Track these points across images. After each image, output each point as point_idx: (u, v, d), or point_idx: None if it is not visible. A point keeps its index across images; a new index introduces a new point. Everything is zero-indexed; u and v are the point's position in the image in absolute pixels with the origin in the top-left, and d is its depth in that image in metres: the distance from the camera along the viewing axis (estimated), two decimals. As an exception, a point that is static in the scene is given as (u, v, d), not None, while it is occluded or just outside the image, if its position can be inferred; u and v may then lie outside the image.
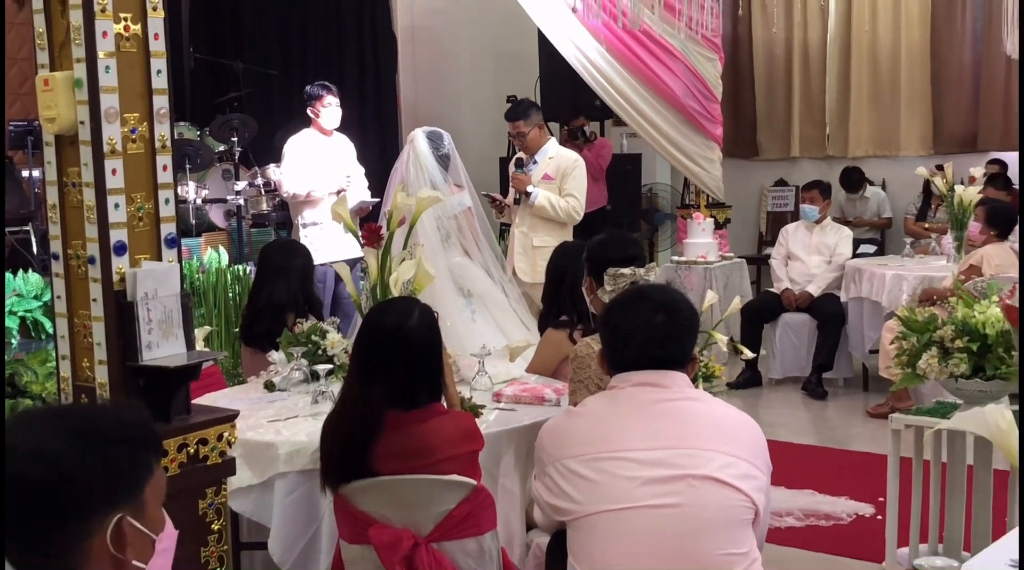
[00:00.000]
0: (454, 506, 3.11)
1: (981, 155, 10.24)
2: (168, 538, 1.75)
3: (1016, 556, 2.69)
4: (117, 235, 2.89)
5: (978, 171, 8.53)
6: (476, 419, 3.54)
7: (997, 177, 9.22)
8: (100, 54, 2.85)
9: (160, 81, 2.98)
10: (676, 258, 8.73)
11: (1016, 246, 7.52)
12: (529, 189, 6.65)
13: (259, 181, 9.06)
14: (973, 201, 7.56)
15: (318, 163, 7.25)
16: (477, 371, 4.43)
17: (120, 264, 2.90)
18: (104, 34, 2.85)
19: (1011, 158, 10.21)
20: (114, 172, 2.88)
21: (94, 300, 2.91)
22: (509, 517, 3.71)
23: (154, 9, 2.97)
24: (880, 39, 10.92)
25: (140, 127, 2.95)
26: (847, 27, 11.09)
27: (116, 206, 2.89)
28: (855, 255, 8.41)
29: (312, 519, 3.64)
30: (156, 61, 2.97)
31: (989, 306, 4.02)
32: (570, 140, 9.25)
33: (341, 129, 7.46)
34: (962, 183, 7.97)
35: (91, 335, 2.92)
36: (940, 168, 8.90)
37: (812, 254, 8.18)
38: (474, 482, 3.15)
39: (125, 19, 2.90)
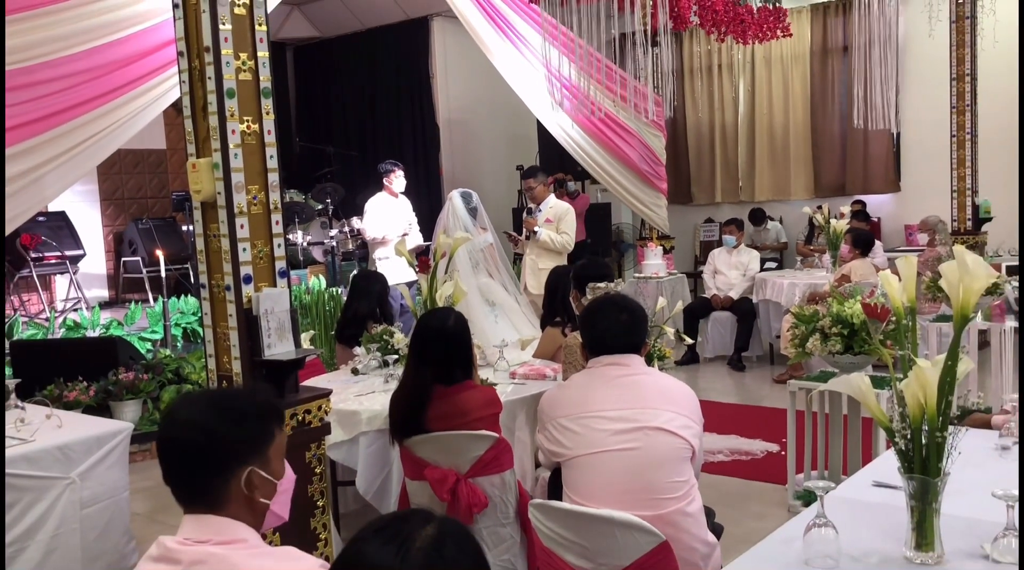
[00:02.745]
0: (483, 452, 3.11)
1: (848, 197, 10.21)
2: (288, 482, 1.75)
3: (878, 477, 2.67)
4: (245, 270, 2.90)
5: (846, 209, 8.49)
6: (496, 390, 3.53)
7: (859, 213, 9.19)
8: (230, 145, 2.87)
9: (272, 162, 3.00)
10: (637, 275, 8.70)
11: (876, 261, 7.48)
12: (536, 229, 6.67)
13: (346, 229, 9.13)
14: (843, 230, 7.54)
15: (388, 216, 7.28)
16: (498, 357, 4.43)
17: (247, 290, 2.91)
18: (233, 131, 2.87)
19: (870, 199, 10.18)
20: (242, 226, 2.89)
21: (230, 315, 2.92)
22: (523, 459, 3.71)
23: (267, 113, 2.98)
24: (775, 118, 10.94)
25: (259, 195, 2.96)
26: (752, 110, 11.11)
27: (243, 250, 2.90)
28: (762, 270, 8.38)
29: (386, 464, 3.64)
30: (269, 149, 2.99)
31: (855, 304, 4.00)
32: (557, 189, 9.24)
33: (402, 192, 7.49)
34: (835, 217, 7.94)
35: (228, 339, 2.93)
36: (819, 207, 8.88)
37: (732, 270, 8.15)
38: (496, 435, 3.15)
39: (247, 120, 2.92)
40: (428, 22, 10.91)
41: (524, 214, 7.08)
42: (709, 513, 2.84)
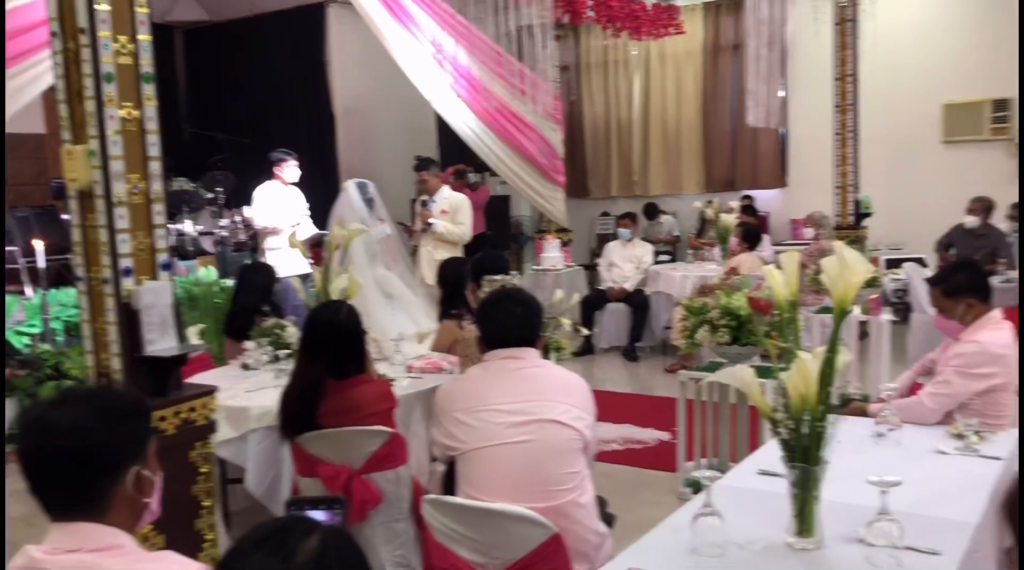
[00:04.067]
0: (377, 448, 3.07)
1: (737, 192, 10.51)
2: (159, 477, 1.71)
3: (763, 466, 2.75)
4: (124, 262, 2.77)
5: (735, 204, 8.74)
6: (391, 385, 3.49)
7: (748, 208, 9.47)
8: (109, 132, 2.73)
9: (154, 151, 2.86)
10: (536, 267, 8.74)
11: (764, 254, 7.72)
12: (432, 221, 6.63)
13: (237, 218, 8.90)
14: (732, 224, 7.74)
15: (279, 206, 7.10)
16: (395, 351, 4.38)
17: (127, 283, 2.78)
18: (111, 118, 2.73)
19: (758, 194, 10.51)
20: (121, 217, 2.76)
21: (109, 310, 2.79)
22: (419, 453, 3.67)
23: (149, 99, 2.85)
24: (669, 113, 11.15)
25: (140, 184, 2.83)
26: (646, 106, 11.31)
27: (123, 241, 2.77)
28: (655, 262, 8.53)
29: (276, 461, 3.55)
30: (151, 136, 2.86)
31: (742, 296, 4.10)
32: (457, 181, 9.21)
33: (296, 182, 7.32)
34: (725, 212, 8.16)
35: (107, 335, 2.80)
36: (710, 202, 9.11)
37: (626, 262, 8.27)
38: (391, 430, 3.11)
39: (127, 106, 2.79)
40: (324, 9, 10.69)
41: (418, 206, 7.03)
42: (601, 503, 2.87)
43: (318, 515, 1.67)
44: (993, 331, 3.25)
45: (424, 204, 6.85)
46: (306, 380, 3.10)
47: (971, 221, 7.46)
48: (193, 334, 3.88)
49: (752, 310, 3.90)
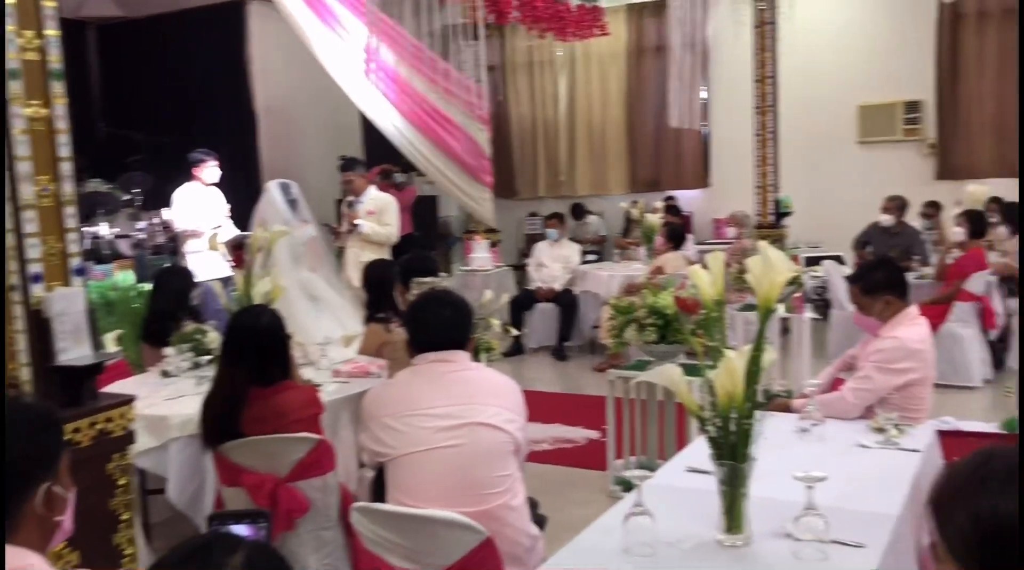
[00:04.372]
0: (303, 455, 3.00)
1: (661, 193, 10.66)
2: (73, 493, 1.64)
3: (692, 463, 2.77)
4: (34, 268, 2.64)
5: (660, 204, 8.84)
6: (317, 391, 3.42)
7: (672, 208, 9.61)
8: (15, 131, 2.60)
9: (65, 151, 2.74)
10: (464, 268, 8.73)
11: (688, 253, 7.84)
12: (358, 222, 6.54)
13: (155, 221, 8.66)
14: (657, 224, 7.84)
15: (199, 208, 6.91)
16: (321, 355, 4.30)
17: (37, 290, 2.65)
18: (17, 117, 2.61)
19: (682, 194, 10.67)
20: (29, 221, 2.64)
21: (17, 317, 2.66)
22: (347, 460, 3.60)
23: (58, 97, 2.73)
24: (594, 114, 11.25)
25: (50, 186, 2.70)
26: (572, 107, 11.39)
27: (32, 246, 2.64)
28: (583, 262, 8.59)
29: (198, 471, 3.45)
30: (61, 136, 2.73)
31: (668, 295, 4.15)
32: (383, 180, 9.12)
33: (216, 183, 7.14)
34: (650, 212, 8.26)
35: (16, 344, 2.67)
36: (636, 202, 9.22)
37: (555, 262, 8.31)
38: (317, 437, 3.05)
39: (35, 105, 2.66)
40: (244, 6, 10.47)
41: (343, 207, 6.94)
42: (533, 504, 2.86)
43: (242, 530, 1.62)
44: (910, 327, 3.35)
45: (350, 205, 6.76)
46: (228, 387, 3.02)
47: (886, 219, 7.69)
48: (110, 341, 3.75)
49: (679, 309, 3.94)
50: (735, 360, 2.07)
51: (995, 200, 8.04)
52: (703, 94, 8.97)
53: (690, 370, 2.49)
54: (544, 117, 11.57)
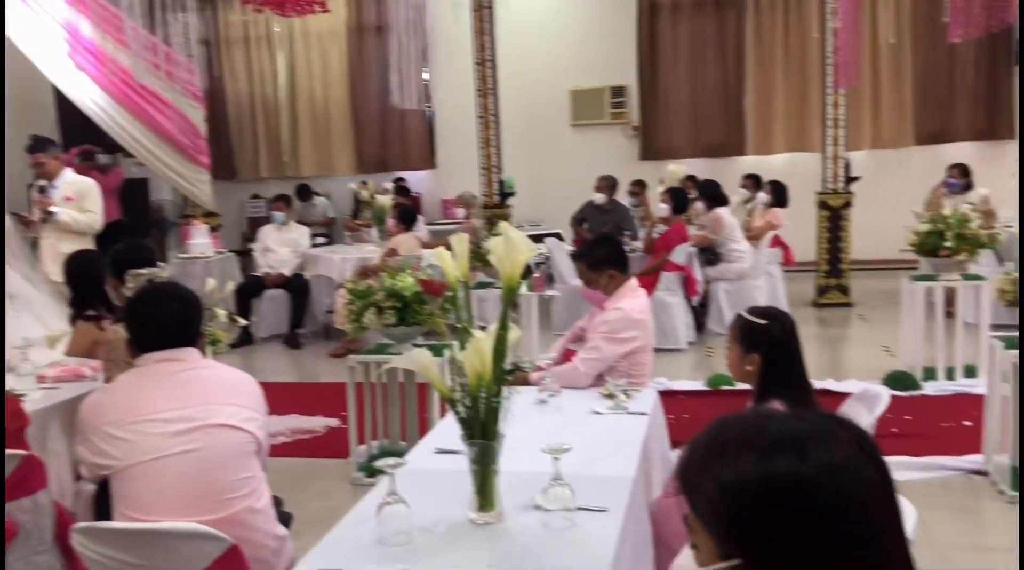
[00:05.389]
0: (8, 474, 2.65)
1: (389, 174, 10.65)
2: None
3: (440, 444, 2.78)
4: None
5: (390, 185, 8.80)
6: (20, 401, 3.03)
7: (402, 189, 9.61)
8: None
9: None
10: (183, 255, 8.20)
11: (420, 234, 7.87)
12: (53, 209, 5.88)
13: None
14: (388, 205, 7.80)
15: None
16: (21, 359, 3.82)
17: None
18: None
19: (410, 175, 10.72)
20: None
21: None
22: (60, 474, 3.24)
23: None
24: (316, 93, 11.02)
25: None
26: (293, 85, 11.09)
27: None
28: (313, 245, 8.38)
29: None
30: None
31: (406, 277, 4.13)
32: (83, 162, 8.31)
33: None
34: (380, 193, 8.21)
35: None
36: (364, 183, 9.12)
37: (282, 247, 8.02)
38: (23, 453, 2.70)
39: None
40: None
41: (34, 192, 6.21)
42: (278, 503, 2.73)
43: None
44: (632, 298, 3.57)
45: (42, 190, 6.04)
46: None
47: (599, 198, 8.19)
48: None
49: (425, 291, 3.94)
50: (483, 340, 2.08)
51: (691, 178, 8.83)
52: (425, 75, 9.01)
53: (434, 350, 2.48)
54: (264, 95, 11.11)
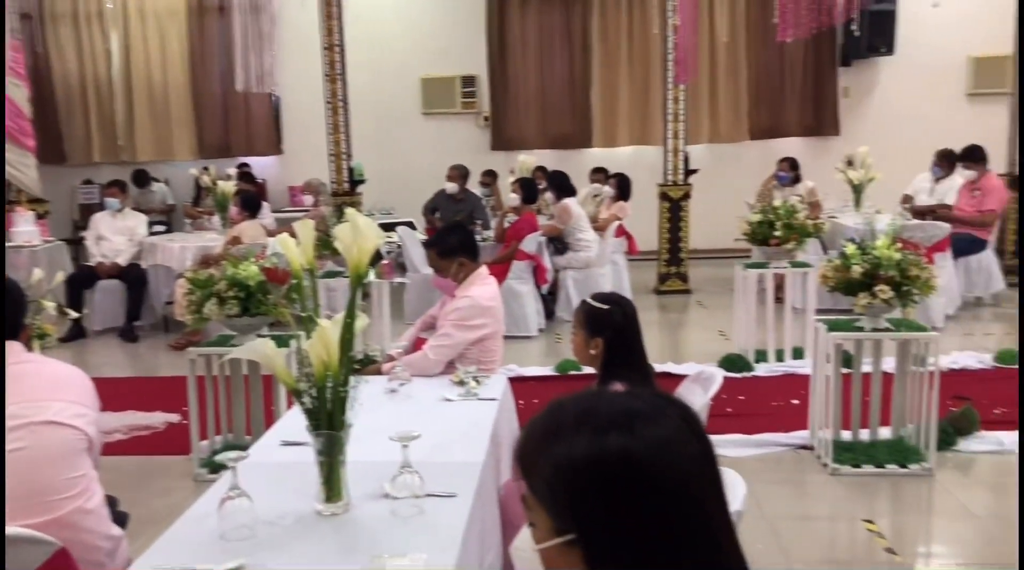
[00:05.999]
0: None
1: (233, 159, 10.30)
2: None
3: (286, 436, 2.72)
4: None
5: (233, 171, 8.50)
6: None
7: (245, 175, 9.32)
8: None
9: None
10: (9, 244, 7.65)
11: (264, 222, 7.64)
12: None
13: None
14: (231, 191, 7.54)
15: None
16: None
17: None
18: None
19: (254, 161, 10.41)
20: None
21: None
22: None
23: None
24: (154, 75, 10.53)
25: None
26: (127, 65, 10.54)
27: None
28: (150, 233, 7.99)
29: None
30: None
31: (249, 266, 4.01)
32: None
33: None
34: (222, 179, 7.92)
35: None
36: (206, 169, 8.77)
37: (117, 235, 7.61)
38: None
39: None
40: None
41: None
42: (112, 502, 2.59)
43: None
44: (482, 286, 3.60)
45: None
46: None
47: (451, 187, 8.20)
48: None
49: (269, 280, 3.83)
50: (329, 329, 2.05)
51: (540, 168, 8.98)
52: (270, 59, 8.74)
53: (278, 341, 2.42)
54: (95, 75, 10.49)
